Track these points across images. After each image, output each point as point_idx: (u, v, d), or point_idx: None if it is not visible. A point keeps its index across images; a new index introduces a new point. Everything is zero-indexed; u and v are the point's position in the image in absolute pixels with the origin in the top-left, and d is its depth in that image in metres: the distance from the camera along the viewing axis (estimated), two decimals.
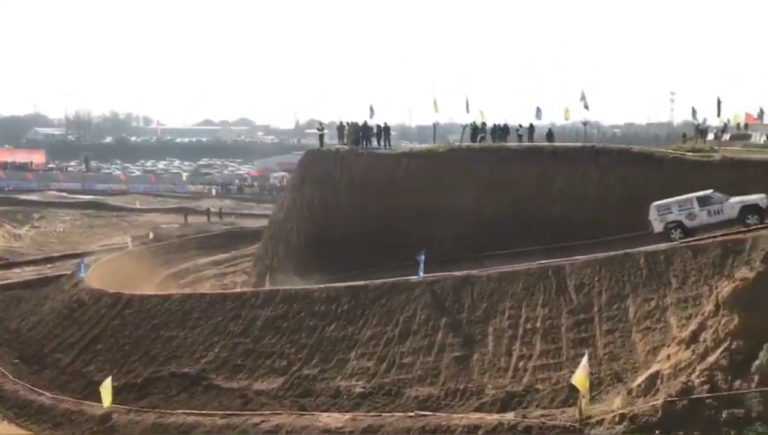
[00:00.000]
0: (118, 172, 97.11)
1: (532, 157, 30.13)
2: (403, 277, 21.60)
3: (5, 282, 35.19)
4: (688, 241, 19.38)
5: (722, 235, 18.37)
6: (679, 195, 22.37)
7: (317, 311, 21.24)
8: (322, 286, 22.73)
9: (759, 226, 18.61)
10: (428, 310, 19.75)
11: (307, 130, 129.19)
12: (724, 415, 10.37)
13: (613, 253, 19.31)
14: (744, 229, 18.56)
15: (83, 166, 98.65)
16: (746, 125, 39.76)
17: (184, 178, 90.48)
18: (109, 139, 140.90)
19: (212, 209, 60.77)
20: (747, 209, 19.65)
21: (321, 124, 38.05)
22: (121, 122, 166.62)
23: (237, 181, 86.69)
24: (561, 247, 22.36)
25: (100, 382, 19.30)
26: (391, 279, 21.63)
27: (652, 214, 21.22)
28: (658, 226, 21.02)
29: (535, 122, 37.27)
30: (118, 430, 17.76)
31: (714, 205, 20.37)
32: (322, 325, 20.67)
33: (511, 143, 33.77)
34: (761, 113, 38.29)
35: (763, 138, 36.30)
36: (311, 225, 31.77)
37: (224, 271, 40.26)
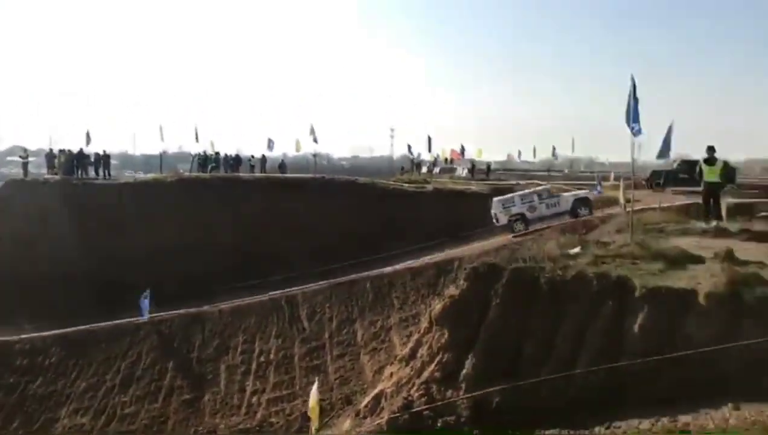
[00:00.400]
0: None
1: (264, 187, 30.23)
2: (126, 319, 19.71)
3: None
4: (410, 265, 20.97)
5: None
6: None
7: (19, 366, 18.33)
8: (25, 336, 19.59)
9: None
10: (155, 352, 18.29)
11: (9, 158, 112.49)
12: (439, 424, 11.09)
13: (342, 278, 20.05)
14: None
15: None
16: (452, 160, 45.46)
17: None
18: None
19: None
20: (579, 202, 22.25)
21: (25, 150, 33.46)
22: None
23: None
24: (295, 275, 22.47)
25: None
26: (112, 322, 19.58)
27: (496, 208, 22.53)
28: (503, 219, 22.45)
29: (267, 153, 37.80)
30: None
31: (551, 198, 22.55)
32: (24, 381, 17.85)
33: (243, 174, 33.57)
34: (463, 150, 44.02)
35: (465, 171, 41.61)
36: (13, 265, 27.39)
37: None
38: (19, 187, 30.96)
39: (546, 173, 39.39)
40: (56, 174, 31.56)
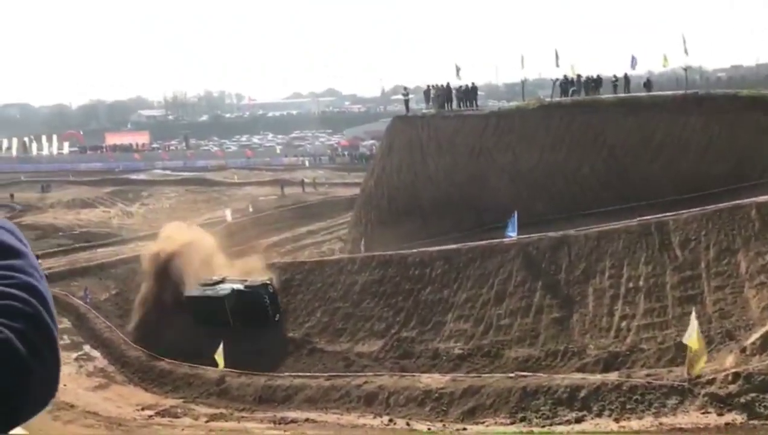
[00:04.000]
0: (215, 148, 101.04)
1: (628, 109, 28.79)
2: (497, 240, 21.42)
3: (122, 256, 37.91)
4: None
5: None
6: None
7: (412, 275, 21.49)
8: (416, 250, 22.90)
9: None
10: (524, 271, 19.51)
11: (393, 97, 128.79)
12: None
13: (720, 205, 18.27)
14: None
15: (183, 144, 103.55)
16: None
17: (278, 150, 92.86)
18: (205, 117, 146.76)
19: (306, 180, 62.31)
20: None
21: (406, 89, 37.98)
22: (215, 100, 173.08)
23: (329, 151, 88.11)
24: (662, 202, 21.41)
25: (212, 349, 20.53)
26: (484, 241, 21.51)
27: None
28: None
29: (630, 72, 35.61)
30: (231, 392, 18.90)
31: None
32: (417, 288, 20.92)
33: (606, 95, 32.40)
34: None
35: None
36: (401, 190, 32.00)
37: (321, 239, 41.45)
38: (403, 122, 35.53)
39: None
40: (432, 108, 35.21)
